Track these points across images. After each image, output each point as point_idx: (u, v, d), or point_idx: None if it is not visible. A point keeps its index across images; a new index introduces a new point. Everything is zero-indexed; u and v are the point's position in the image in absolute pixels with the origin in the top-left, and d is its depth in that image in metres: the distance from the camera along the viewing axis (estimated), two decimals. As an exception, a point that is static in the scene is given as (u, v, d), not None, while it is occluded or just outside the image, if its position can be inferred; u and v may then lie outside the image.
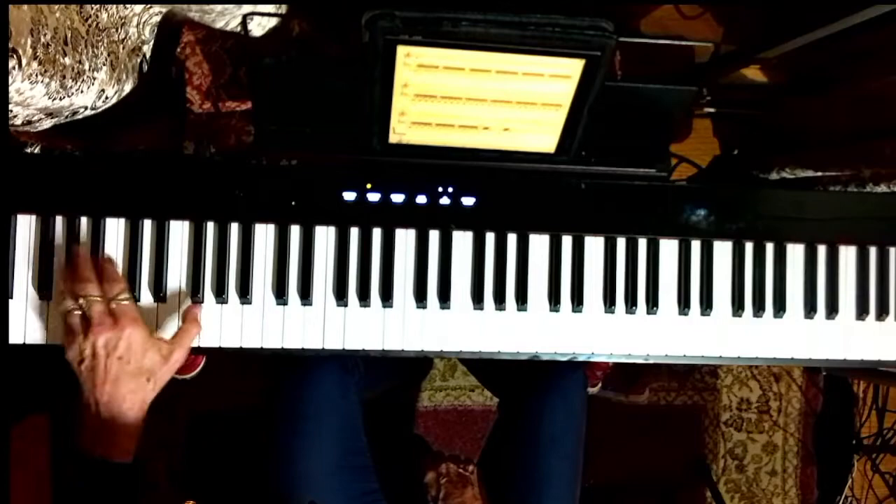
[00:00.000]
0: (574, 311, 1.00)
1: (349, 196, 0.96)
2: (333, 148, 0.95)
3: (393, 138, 0.92)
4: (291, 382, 1.00)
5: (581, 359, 1.01)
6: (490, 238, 0.99)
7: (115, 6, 0.92)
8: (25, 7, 0.75)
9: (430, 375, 1.73)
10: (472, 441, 1.74)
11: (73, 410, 0.84)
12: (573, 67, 0.83)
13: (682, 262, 1.02)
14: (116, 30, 0.95)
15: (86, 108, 0.95)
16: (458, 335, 0.98)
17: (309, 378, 1.00)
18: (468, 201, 0.98)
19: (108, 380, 0.82)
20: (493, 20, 0.77)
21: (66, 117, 0.95)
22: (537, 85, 0.85)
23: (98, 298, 0.84)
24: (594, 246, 1.01)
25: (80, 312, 0.84)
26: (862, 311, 1.05)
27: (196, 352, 0.94)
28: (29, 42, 0.75)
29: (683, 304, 1.02)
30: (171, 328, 0.94)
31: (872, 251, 1.06)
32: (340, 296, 0.96)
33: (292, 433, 0.97)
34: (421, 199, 0.97)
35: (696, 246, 1.03)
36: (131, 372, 0.83)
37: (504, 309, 0.99)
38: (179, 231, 0.95)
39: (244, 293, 0.95)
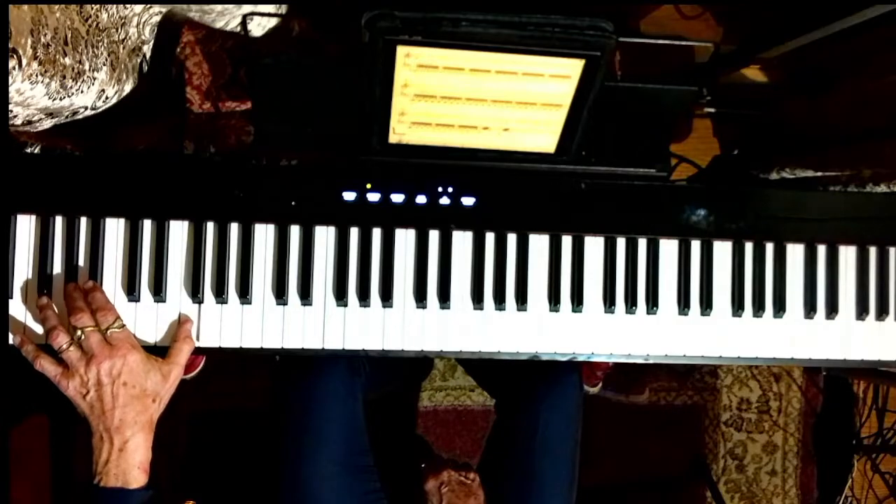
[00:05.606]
0: (574, 311, 1.00)
1: (349, 196, 0.96)
2: (333, 148, 0.95)
3: (393, 138, 0.92)
4: (300, 383, 1.00)
5: (581, 359, 1.01)
6: (490, 238, 0.99)
7: (115, 6, 0.92)
8: (25, 7, 0.75)
9: (430, 375, 1.73)
10: (472, 441, 1.74)
11: (85, 450, 0.85)
12: (573, 67, 0.83)
13: (682, 262, 1.02)
14: (116, 30, 0.95)
15: (86, 108, 0.95)
16: (458, 335, 0.98)
17: (317, 379, 1.00)
18: (468, 201, 0.98)
19: (117, 405, 0.84)
20: (493, 20, 0.77)
21: (67, 117, 0.95)
22: (537, 85, 0.85)
23: (94, 328, 0.85)
24: (594, 246, 1.01)
25: (74, 347, 0.84)
26: (862, 311, 1.05)
27: (196, 352, 0.95)
28: (29, 42, 0.75)
29: (683, 304, 1.02)
30: (170, 329, 0.94)
31: (872, 251, 1.06)
32: (340, 296, 0.96)
33: (300, 433, 0.98)
34: (421, 199, 0.97)
35: (696, 246, 1.03)
36: (137, 395, 0.85)
37: (504, 309, 0.99)
38: (179, 231, 0.95)
39: (244, 293, 0.95)
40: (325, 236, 0.97)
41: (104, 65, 0.93)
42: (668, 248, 1.02)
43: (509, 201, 0.99)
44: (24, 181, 0.91)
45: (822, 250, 1.05)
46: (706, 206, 1.01)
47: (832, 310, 1.04)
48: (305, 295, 0.95)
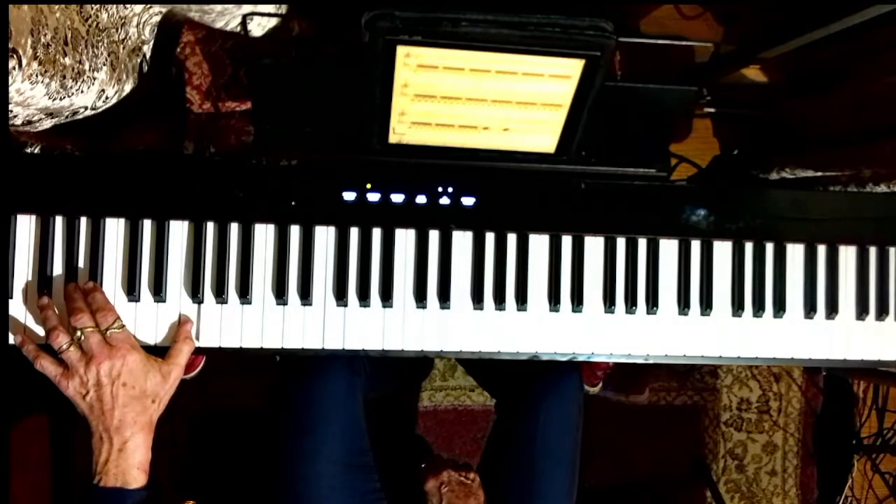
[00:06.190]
0: (574, 311, 1.00)
1: (349, 196, 0.96)
2: (333, 148, 0.95)
3: (393, 138, 0.92)
4: (301, 383, 1.01)
5: (581, 359, 1.01)
6: (490, 238, 0.99)
7: (115, 6, 0.92)
8: (25, 7, 0.75)
9: (430, 375, 1.73)
10: (472, 441, 1.74)
11: (85, 450, 0.85)
12: (573, 67, 0.83)
13: (682, 262, 1.02)
14: (116, 30, 0.95)
15: (86, 108, 0.95)
16: (458, 335, 0.98)
17: (319, 379, 1.00)
18: (468, 201, 0.98)
19: (116, 405, 0.84)
20: (493, 20, 0.77)
21: (67, 117, 0.95)
22: (537, 85, 0.85)
23: (94, 329, 0.86)
24: (594, 246, 1.01)
25: (74, 347, 0.84)
26: (862, 311, 1.05)
27: (196, 352, 0.95)
28: (29, 42, 0.75)
29: (683, 304, 1.02)
30: (170, 330, 0.94)
31: (872, 251, 1.06)
32: (340, 296, 0.96)
33: (301, 432, 0.98)
34: (421, 199, 0.97)
35: (695, 246, 1.03)
36: (136, 395, 0.85)
37: (504, 309, 0.99)
38: (179, 231, 0.95)
39: (244, 293, 0.95)
40: (325, 236, 0.97)
41: (104, 65, 0.93)
42: (668, 248, 1.02)
43: (509, 201, 0.99)
44: (24, 181, 0.91)
45: (822, 250, 1.05)
46: (706, 206, 1.01)
47: (832, 310, 1.04)
48: (305, 295, 0.95)
